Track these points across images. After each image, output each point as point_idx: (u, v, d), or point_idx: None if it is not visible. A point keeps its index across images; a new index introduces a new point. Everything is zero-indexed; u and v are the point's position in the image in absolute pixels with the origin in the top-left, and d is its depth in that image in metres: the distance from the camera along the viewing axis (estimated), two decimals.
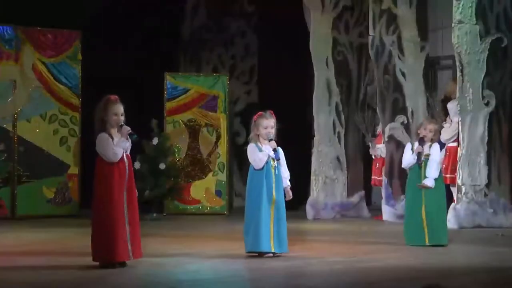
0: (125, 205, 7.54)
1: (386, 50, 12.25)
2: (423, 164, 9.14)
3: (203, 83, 13.75)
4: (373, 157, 12.93)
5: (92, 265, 7.57)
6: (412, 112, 12.14)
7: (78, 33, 13.10)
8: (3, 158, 12.52)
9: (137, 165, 12.20)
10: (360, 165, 13.31)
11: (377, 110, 12.50)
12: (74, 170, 13.04)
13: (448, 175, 11.25)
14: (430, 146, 9.16)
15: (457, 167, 11.16)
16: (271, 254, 8.22)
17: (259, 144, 8.33)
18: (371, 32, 12.34)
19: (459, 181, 11.11)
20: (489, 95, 11.24)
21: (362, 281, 7.08)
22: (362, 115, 13.12)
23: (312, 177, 12.82)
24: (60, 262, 7.98)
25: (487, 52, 11.19)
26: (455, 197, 11.30)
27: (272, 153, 8.28)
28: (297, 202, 12.90)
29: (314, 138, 13.02)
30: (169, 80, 13.60)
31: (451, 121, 11.78)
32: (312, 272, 7.57)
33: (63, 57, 13.02)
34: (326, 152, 12.89)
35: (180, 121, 13.63)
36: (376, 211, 13.10)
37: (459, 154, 11.15)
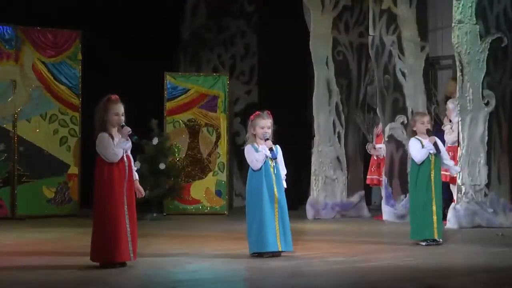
0: (125, 205, 7.55)
1: (386, 50, 12.25)
2: (434, 157, 9.17)
3: (203, 83, 13.76)
4: (375, 157, 12.92)
5: (92, 265, 7.57)
6: (412, 112, 12.13)
7: (78, 33, 13.11)
8: (3, 158, 12.52)
9: (137, 165, 12.18)
10: (360, 165, 13.31)
11: (377, 110, 12.50)
12: (74, 170, 13.04)
13: (448, 173, 11.23)
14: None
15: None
16: (271, 254, 8.22)
17: (256, 145, 8.33)
18: (371, 32, 12.34)
19: (459, 181, 11.11)
20: (489, 95, 11.24)
21: (362, 281, 7.08)
22: (362, 116, 13.11)
23: (312, 177, 12.82)
24: (60, 262, 7.99)
25: (487, 52, 11.18)
26: (455, 197, 11.29)
27: (268, 153, 8.27)
28: (297, 202, 12.98)
29: (314, 138, 13.02)
30: (169, 80, 13.60)
31: (450, 121, 11.77)
32: (312, 272, 7.57)
33: (63, 57, 13.03)
34: (326, 152, 12.89)
35: (180, 121, 13.63)
36: (376, 211, 13.11)
37: (459, 154, 11.15)
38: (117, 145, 7.52)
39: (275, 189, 8.28)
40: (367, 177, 13.04)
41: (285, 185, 8.42)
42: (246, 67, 15.49)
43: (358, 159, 13.28)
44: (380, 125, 12.77)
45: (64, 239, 10.11)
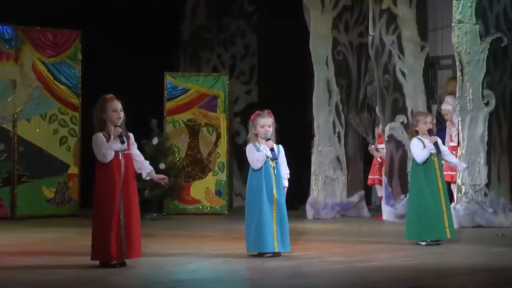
0: (121, 205, 7.55)
1: (386, 50, 12.25)
2: (436, 157, 9.16)
3: (203, 83, 13.76)
4: (378, 159, 12.88)
5: (92, 265, 7.58)
6: (412, 112, 12.12)
7: (78, 33, 13.11)
8: (3, 158, 12.52)
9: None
10: (360, 165, 13.31)
11: (377, 110, 12.50)
12: (74, 170, 13.04)
13: (449, 173, 11.23)
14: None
15: None
16: (271, 254, 8.22)
17: (257, 144, 8.32)
18: (371, 32, 12.33)
19: (459, 181, 11.11)
20: (489, 95, 11.24)
21: (362, 281, 7.08)
22: (358, 118, 13.07)
23: (312, 177, 12.82)
24: (60, 262, 7.99)
25: (487, 52, 11.18)
26: (455, 197, 11.29)
27: (269, 153, 8.25)
28: (297, 202, 12.98)
29: (314, 138, 13.02)
30: (169, 80, 13.60)
31: (447, 120, 11.78)
32: (312, 272, 7.57)
33: (63, 57, 13.02)
34: (326, 152, 12.90)
35: (180, 121, 13.63)
36: (376, 211, 13.11)
37: (459, 153, 11.15)
38: (109, 146, 7.53)
39: (274, 190, 8.27)
40: (369, 177, 13.01)
41: (286, 185, 8.42)
42: (246, 67, 15.49)
43: (358, 159, 13.28)
44: (381, 125, 12.78)
45: (64, 239, 10.11)
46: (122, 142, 7.58)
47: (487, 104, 11.24)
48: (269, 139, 8.26)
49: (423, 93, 12.26)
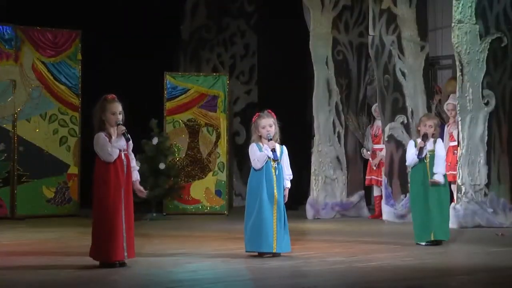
0: (122, 204, 7.56)
1: (386, 50, 12.24)
2: (428, 161, 9.13)
3: (203, 83, 13.75)
4: (372, 164, 12.86)
5: (92, 265, 7.57)
6: (412, 112, 12.13)
7: (78, 33, 13.11)
8: (3, 158, 12.51)
9: (137, 164, 12.19)
10: (360, 165, 13.31)
11: (373, 109, 12.49)
12: (74, 170, 13.04)
13: (450, 172, 11.22)
14: (435, 141, 9.17)
15: (457, 166, 11.16)
16: (271, 254, 8.22)
17: (260, 144, 8.31)
18: (371, 32, 12.33)
19: (459, 181, 11.11)
20: (489, 95, 11.24)
21: (362, 281, 7.08)
22: (356, 120, 13.05)
23: (312, 177, 12.82)
24: (60, 262, 7.99)
25: (487, 52, 11.19)
26: (455, 197, 11.29)
27: (270, 153, 8.25)
28: (297, 202, 12.97)
29: (314, 138, 13.02)
30: (169, 80, 13.60)
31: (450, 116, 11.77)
32: (312, 272, 7.57)
33: (63, 57, 13.02)
34: (326, 152, 12.90)
35: (180, 121, 13.63)
36: (372, 211, 13.12)
37: (459, 153, 11.15)
38: (113, 145, 7.53)
39: (275, 190, 8.26)
40: (366, 177, 13.01)
41: (288, 186, 8.41)
42: (246, 67, 15.49)
43: (358, 159, 13.28)
44: (376, 125, 12.79)
45: (64, 239, 10.11)
46: (127, 140, 7.60)
47: (487, 104, 11.24)
48: (271, 139, 8.25)
49: (423, 93, 12.26)
